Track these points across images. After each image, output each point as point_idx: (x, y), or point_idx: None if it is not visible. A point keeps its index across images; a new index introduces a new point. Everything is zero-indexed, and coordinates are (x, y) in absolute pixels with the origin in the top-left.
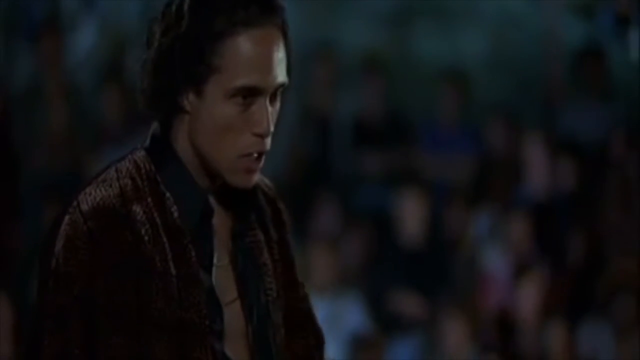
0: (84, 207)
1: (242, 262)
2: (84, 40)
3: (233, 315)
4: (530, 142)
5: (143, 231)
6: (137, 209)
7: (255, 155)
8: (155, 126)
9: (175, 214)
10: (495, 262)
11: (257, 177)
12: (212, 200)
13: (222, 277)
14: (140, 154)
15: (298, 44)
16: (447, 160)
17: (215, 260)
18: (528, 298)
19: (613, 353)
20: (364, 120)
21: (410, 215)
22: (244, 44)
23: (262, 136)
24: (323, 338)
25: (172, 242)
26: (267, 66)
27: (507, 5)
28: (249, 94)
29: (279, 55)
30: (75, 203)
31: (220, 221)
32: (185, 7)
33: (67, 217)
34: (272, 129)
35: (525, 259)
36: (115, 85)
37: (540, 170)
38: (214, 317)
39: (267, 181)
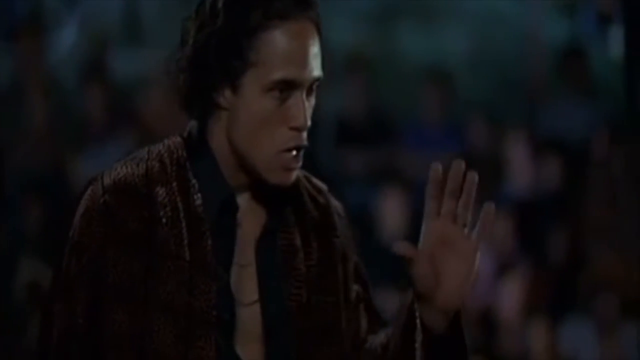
0: (106, 180)
1: (267, 264)
2: (66, 38)
3: (251, 317)
4: (513, 140)
5: (162, 213)
6: (160, 191)
7: (294, 153)
8: (192, 123)
9: (198, 202)
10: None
11: (294, 176)
12: (243, 198)
13: (243, 276)
14: (175, 140)
15: None
16: (430, 158)
17: (236, 258)
18: (511, 296)
19: (595, 351)
20: (347, 118)
21: (393, 213)
22: (280, 37)
23: (299, 130)
24: (373, 331)
25: (190, 229)
26: (303, 60)
27: (490, 4)
28: (286, 87)
29: (315, 49)
30: (99, 176)
31: (253, 221)
32: (220, 3)
33: (89, 189)
34: (309, 123)
35: (508, 257)
36: (97, 84)
37: (523, 169)
38: (224, 311)
39: (320, 184)
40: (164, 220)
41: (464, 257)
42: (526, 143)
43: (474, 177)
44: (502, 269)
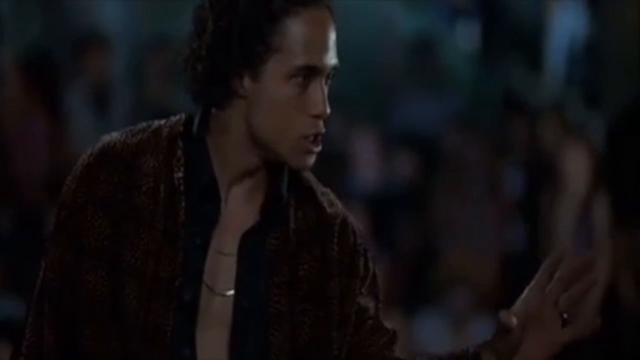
0: (98, 144)
1: (250, 261)
2: None
3: (222, 307)
4: (363, 134)
5: (144, 182)
6: (147, 161)
7: (312, 138)
8: (201, 111)
9: (179, 175)
10: None
11: (313, 159)
12: (241, 187)
13: (222, 264)
14: (180, 116)
15: (134, 37)
16: None
17: (216, 244)
18: None
19: (448, 344)
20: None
21: None
22: (302, 23)
23: (318, 117)
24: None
25: (167, 200)
26: (325, 46)
27: None
28: (308, 74)
29: (333, 37)
30: (98, 140)
31: (244, 213)
32: None
33: (85, 150)
34: (328, 110)
35: None
36: None
37: (373, 163)
38: (186, 291)
39: (334, 198)
40: (143, 188)
41: (549, 340)
42: (377, 137)
43: (594, 281)
44: None
